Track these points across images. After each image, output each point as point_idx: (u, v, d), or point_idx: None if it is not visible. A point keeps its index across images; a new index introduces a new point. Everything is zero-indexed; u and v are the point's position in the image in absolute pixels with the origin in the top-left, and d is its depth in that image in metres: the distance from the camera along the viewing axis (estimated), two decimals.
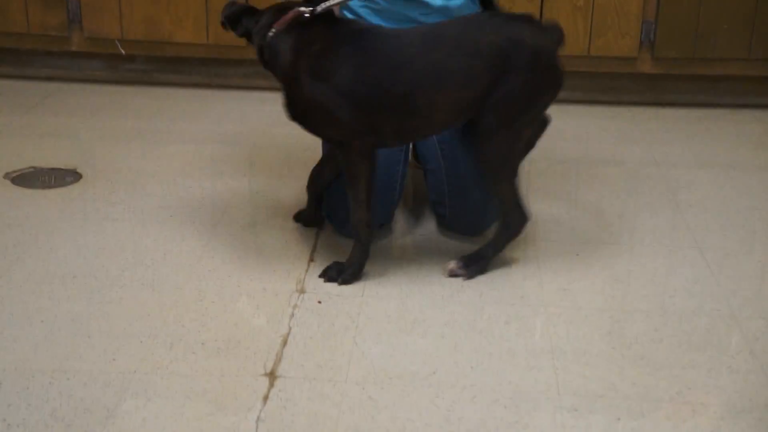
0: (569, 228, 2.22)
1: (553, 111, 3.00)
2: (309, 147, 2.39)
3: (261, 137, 2.73)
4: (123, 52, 3.10)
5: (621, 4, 2.97)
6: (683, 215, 2.31)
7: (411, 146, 2.27)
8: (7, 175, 2.40)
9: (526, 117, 1.86)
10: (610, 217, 2.29)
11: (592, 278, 1.97)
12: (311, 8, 1.85)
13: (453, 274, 1.94)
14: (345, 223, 2.05)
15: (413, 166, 2.46)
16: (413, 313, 1.81)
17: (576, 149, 2.76)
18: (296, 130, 1.94)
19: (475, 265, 1.95)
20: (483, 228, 2.10)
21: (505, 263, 2.02)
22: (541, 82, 1.83)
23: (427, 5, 2.04)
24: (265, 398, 1.53)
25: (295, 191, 2.33)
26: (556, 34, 1.86)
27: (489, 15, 1.94)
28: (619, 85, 3.14)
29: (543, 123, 2.02)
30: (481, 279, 1.95)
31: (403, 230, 2.17)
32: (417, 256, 2.04)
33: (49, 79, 3.17)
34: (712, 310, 1.85)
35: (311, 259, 2.01)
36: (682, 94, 3.14)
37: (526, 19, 1.85)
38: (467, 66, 1.79)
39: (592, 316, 1.82)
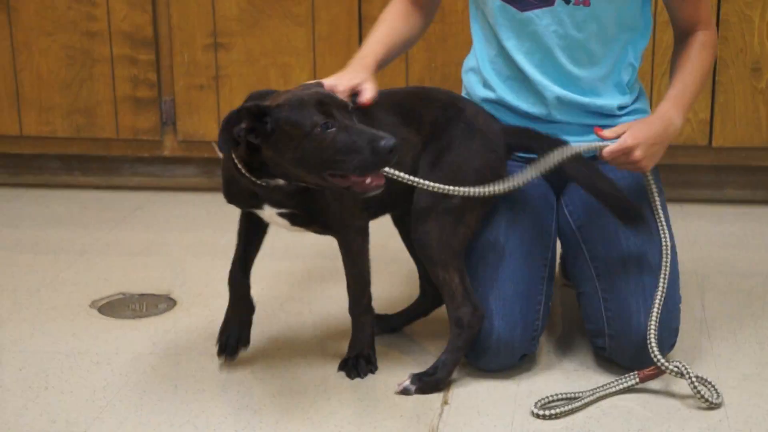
0: (760, 371, 2.04)
1: (734, 214, 2.93)
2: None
3: (375, 251, 2.67)
4: (221, 155, 3.12)
5: None
6: None
7: (557, 261, 2.20)
8: (93, 304, 2.40)
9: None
10: None
11: None
12: None
13: (404, 392, 1.95)
14: (481, 355, 1.99)
15: (563, 284, 2.38)
16: None
17: (765, 262, 2.61)
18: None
19: (428, 378, 1.96)
20: (651, 359, 1.95)
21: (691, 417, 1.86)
22: None
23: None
24: None
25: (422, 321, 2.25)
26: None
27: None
28: None
29: None
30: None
31: (549, 363, 2.06)
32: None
33: (139, 188, 3.22)
34: None
35: (445, 401, 1.92)
36: None
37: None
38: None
39: None
